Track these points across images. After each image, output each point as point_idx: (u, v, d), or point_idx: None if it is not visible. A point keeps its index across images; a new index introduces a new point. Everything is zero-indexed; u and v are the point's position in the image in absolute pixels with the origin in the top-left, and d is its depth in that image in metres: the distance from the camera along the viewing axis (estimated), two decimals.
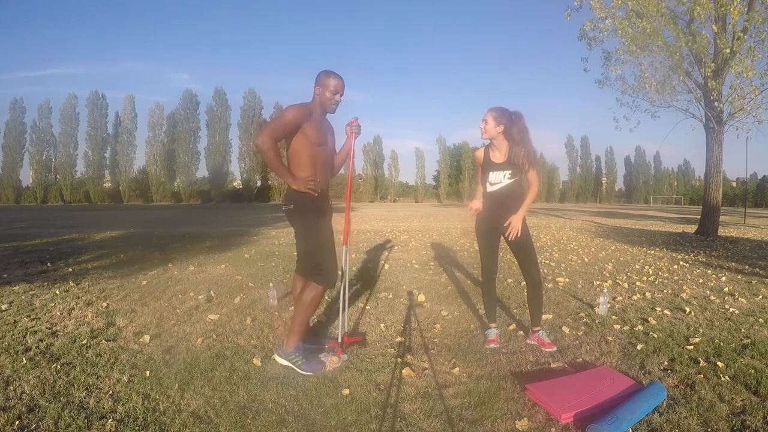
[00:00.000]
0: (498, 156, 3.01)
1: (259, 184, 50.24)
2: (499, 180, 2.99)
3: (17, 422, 1.97)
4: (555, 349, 2.94)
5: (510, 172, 2.96)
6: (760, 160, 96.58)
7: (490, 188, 3.03)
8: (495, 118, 2.93)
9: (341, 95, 2.72)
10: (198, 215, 20.67)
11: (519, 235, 2.94)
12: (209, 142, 48.24)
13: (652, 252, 7.80)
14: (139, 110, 47.86)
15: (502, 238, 3.09)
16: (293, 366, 2.58)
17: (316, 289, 2.62)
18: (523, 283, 3.43)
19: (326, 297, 4.15)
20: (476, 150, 3.18)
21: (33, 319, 3.48)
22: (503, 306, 4.06)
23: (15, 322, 3.40)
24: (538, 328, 3.10)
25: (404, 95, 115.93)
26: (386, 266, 6.04)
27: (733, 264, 6.51)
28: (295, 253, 2.94)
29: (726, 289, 4.71)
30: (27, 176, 45.99)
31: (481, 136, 3.02)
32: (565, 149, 62.31)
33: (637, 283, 5.04)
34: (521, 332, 3.33)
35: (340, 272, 2.84)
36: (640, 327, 3.41)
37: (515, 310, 3.93)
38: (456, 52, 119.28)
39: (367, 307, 3.99)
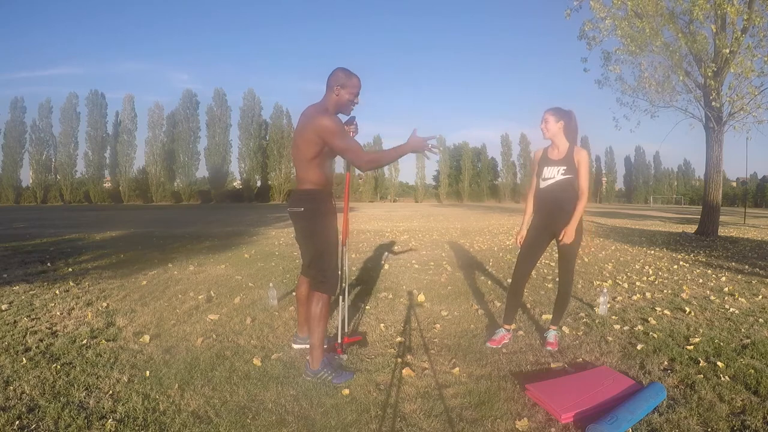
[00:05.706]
0: (556, 154, 3.01)
1: (259, 184, 50.26)
2: (552, 175, 2.98)
3: (17, 422, 1.97)
4: (555, 349, 2.95)
5: (565, 168, 2.95)
6: (760, 160, 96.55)
7: (542, 184, 3.04)
8: (554, 115, 2.96)
9: (359, 98, 2.59)
10: (198, 215, 20.67)
11: (571, 242, 2.96)
12: (209, 143, 48.33)
13: (652, 252, 7.80)
14: (139, 110, 48.12)
15: (549, 242, 3.12)
16: (325, 383, 2.44)
17: (323, 299, 2.54)
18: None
19: None
20: (536, 151, 3.18)
21: (33, 319, 3.48)
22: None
23: (15, 322, 3.40)
24: (551, 327, 3.16)
25: (404, 95, 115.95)
26: (386, 266, 6.04)
27: (733, 264, 6.51)
28: (296, 253, 2.91)
29: (726, 289, 4.71)
30: (27, 176, 46.12)
31: (543, 136, 3.02)
32: None
33: (637, 283, 5.04)
34: (521, 332, 3.34)
35: (339, 273, 2.83)
36: (640, 327, 3.42)
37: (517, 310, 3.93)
38: (456, 52, 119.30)
39: (367, 307, 3.99)
